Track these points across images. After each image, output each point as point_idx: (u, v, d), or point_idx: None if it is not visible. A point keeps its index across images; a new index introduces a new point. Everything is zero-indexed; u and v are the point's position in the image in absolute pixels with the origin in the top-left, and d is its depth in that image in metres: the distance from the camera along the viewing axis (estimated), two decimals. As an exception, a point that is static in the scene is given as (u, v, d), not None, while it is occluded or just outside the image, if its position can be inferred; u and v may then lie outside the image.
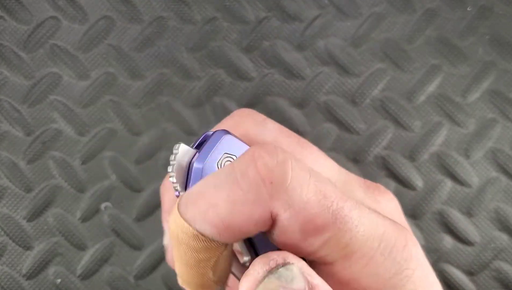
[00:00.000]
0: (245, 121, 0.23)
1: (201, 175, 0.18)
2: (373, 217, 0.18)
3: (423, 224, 0.32)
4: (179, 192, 0.19)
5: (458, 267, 0.31)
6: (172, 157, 0.19)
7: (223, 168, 0.17)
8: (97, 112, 0.33)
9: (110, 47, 0.33)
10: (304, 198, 0.16)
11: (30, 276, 0.31)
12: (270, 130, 0.22)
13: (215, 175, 0.17)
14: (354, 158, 0.32)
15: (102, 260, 0.32)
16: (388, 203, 0.22)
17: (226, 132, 0.19)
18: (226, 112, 0.32)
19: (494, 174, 0.32)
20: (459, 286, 0.31)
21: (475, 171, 0.32)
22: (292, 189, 0.16)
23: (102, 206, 0.32)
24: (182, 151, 0.19)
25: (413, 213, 0.32)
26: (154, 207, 0.32)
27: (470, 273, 0.31)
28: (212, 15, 0.33)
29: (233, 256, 0.19)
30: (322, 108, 0.33)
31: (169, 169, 0.19)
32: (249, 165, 0.16)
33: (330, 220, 0.17)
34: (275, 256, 0.16)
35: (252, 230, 0.17)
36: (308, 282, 0.16)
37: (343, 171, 0.23)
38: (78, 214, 0.32)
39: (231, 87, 0.33)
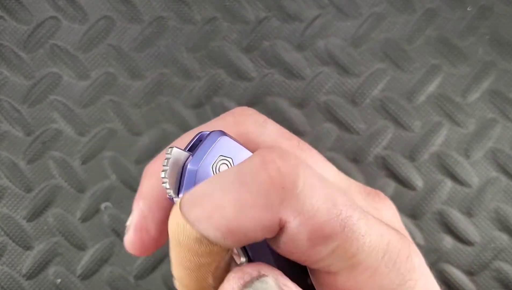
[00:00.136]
0: (245, 120, 0.22)
1: (195, 178, 0.18)
2: (379, 228, 0.18)
3: (423, 224, 0.32)
4: (173, 198, 0.18)
5: (458, 267, 0.31)
6: (164, 162, 0.18)
7: (229, 169, 0.16)
8: (97, 112, 0.33)
9: (110, 47, 0.33)
10: (314, 205, 0.16)
11: (30, 276, 0.31)
12: (271, 131, 0.22)
13: (221, 176, 0.16)
14: (354, 158, 0.32)
15: (102, 260, 0.32)
16: (387, 210, 0.22)
17: (222, 133, 0.19)
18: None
19: (494, 174, 0.32)
20: (459, 286, 0.31)
21: (475, 171, 0.32)
22: (303, 196, 0.16)
23: (102, 206, 0.32)
24: (175, 155, 0.18)
25: (413, 213, 0.32)
26: (154, 207, 0.32)
27: (470, 273, 0.31)
28: (212, 15, 0.33)
29: (232, 259, 0.19)
30: (322, 108, 0.33)
31: (162, 174, 0.18)
32: (259, 168, 0.16)
33: (338, 229, 0.16)
34: (249, 270, 0.16)
35: (258, 236, 0.16)
36: None
37: (342, 176, 0.22)
38: (78, 214, 0.32)
39: (231, 87, 0.33)
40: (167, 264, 0.31)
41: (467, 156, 0.32)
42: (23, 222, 0.32)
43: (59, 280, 0.31)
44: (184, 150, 0.19)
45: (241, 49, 0.33)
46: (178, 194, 0.18)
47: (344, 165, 0.32)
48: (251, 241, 0.16)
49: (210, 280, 0.17)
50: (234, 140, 0.19)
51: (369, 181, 0.32)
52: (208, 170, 0.18)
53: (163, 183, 0.18)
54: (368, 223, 0.17)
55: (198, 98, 0.33)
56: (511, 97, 0.32)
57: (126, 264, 0.32)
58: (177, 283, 0.18)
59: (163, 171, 0.18)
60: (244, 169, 0.16)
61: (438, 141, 0.32)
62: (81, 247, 0.32)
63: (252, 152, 0.19)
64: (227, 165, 0.18)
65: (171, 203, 0.19)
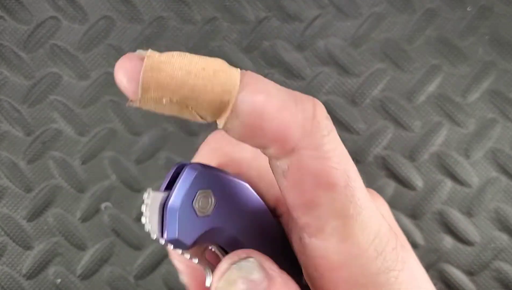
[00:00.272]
0: (221, 144, 0.23)
1: (177, 217, 0.18)
2: (374, 212, 0.18)
3: (423, 224, 0.32)
4: (158, 238, 0.19)
5: (458, 267, 0.31)
6: (143, 207, 0.18)
7: (285, 89, 0.18)
8: (97, 112, 0.33)
9: (110, 47, 0.33)
10: (327, 153, 0.17)
11: (30, 276, 0.31)
12: (247, 146, 0.22)
13: (277, 87, 0.18)
14: (354, 158, 0.32)
15: (102, 260, 0.32)
16: (382, 207, 0.23)
17: (198, 166, 0.19)
18: (226, 112, 0.32)
19: (494, 174, 0.32)
20: (459, 286, 0.31)
21: (475, 171, 0.32)
22: (327, 141, 0.17)
23: (102, 206, 0.32)
24: (153, 199, 0.18)
25: (413, 213, 0.32)
26: (154, 207, 0.32)
27: (470, 273, 0.31)
28: (212, 15, 0.33)
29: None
30: (322, 108, 0.33)
31: (142, 219, 0.18)
32: (310, 100, 0.17)
33: (342, 183, 0.17)
34: (239, 253, 0.18)
35: (270, 141, 0.17)
36: (266, 274, 0.17)
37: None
38: (78, 214, 0.32)
39: (231, 87, 0.33)
40: (167, 264, 0.32)
41: (467, 156, 0.32)
42: (23, 222, 0.32)
43: (59, 280, 0.31)
44: (162, 188, 0.19)
45: (241, 49, 0.33)
46: (162, 235, 0.18)
47: (344, 165, 0.32)
48: (265, 135, 0.17)
49: (167, 99, 0.18)
50: (213, 168, 0.19)
51: (369, 181, 0.32)
52: (189, 207, 0.18)
53: (145, 227, 0.18)
54: (366, 200, 0.18)
55: (198, 98, 0.33)
56: (511, 97, 0.32)
57: (126, 264, 0.32)
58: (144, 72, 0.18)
59: (143, 216, 0.18)
60: (296, 95, 0.18)
61: (438, 141, 0.32)
62: (81, 247, 0.32)
63: (237, 170, 0.20)
64: (208, 198, 0.19)
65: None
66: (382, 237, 0.18)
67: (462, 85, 0.33)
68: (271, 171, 0.19)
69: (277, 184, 0.19)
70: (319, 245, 0.18)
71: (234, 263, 0.17)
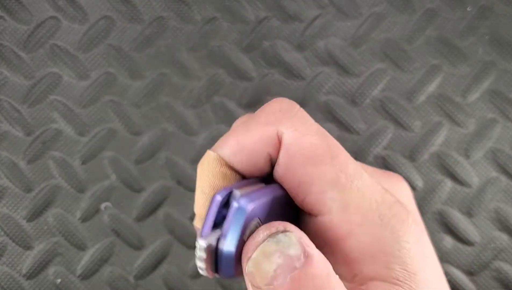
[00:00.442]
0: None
1: (233, 260, 0.18)
2: (370, 181, 0.19)
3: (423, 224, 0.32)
4: (213, 274, 0.19)
5: (458, 267, 0.31)
6: (198, 259, 0.18)
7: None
8: (97, 112, 0.33)
9: (110, 47, 0.33)
10: (307, 127, 0.19)
11: (30, 276, 0.31)
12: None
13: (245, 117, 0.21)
14: (354, 158, 0.32)
15: (102, 260, 0.32)
16: (400, 189, 0.23)
17: (245, 204, 0.18)
18: (226, 112, 0.32)
19: (494, 174, 0.32)
20: (459, 286, 0.31)
21: (475, 171, 0.32)
22: (297, 119, 0.19)
23: (102, 206, 0.32)
24: (207, 249, 0.18)
25: (413, 213, 0.32)
26: (154, 207, 0.32)
27: (470, 273, 0.31)
28: (212, 15, 0.33)
29: None
30: (322, 108, 0.33)
31: (198, 263, 0.18)
32: (266, 105, 0.20)
33: (328, 155, 0.19)
34: (277, 224, 0.17)
35: (263, 149, 0.19)
36: (304, 251, 0.17)
37: (356, 162, 0.24)
38: (78, 214, 0.32)
39: (231, 87, 0.33)
40: (167, 264, 0.32)
41: (467, 156, 0.32)
42: (23, 222, 0.32)
43: (59, 280, 0.31)
44: (209, 221, 0.18)
45: (241, 49, 0.33)
46: (217, 271, 0.18)
47: (344, 165, 0.32)
48: (257, 158, 0.19)
49: None
50: (254, 194, 0.18)
51: (369, 181, 0.32)
52: (241, 242, 0.18)
53: (200, 271, 0.18)
54: (358, 170, 0.19)
55: (198, 98, 0.33)
56: (511, 97, 0.32)
57: (126, 264, 0.32)
58: (195, 221, 0.21)
59: (199, 268, 0.18)
60: (258, 110, 0.20)
61: (438, 141, 0.32)
62: (81, 247, 0.32)
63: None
64: (256, 224, 0.19)
65: None
66: (386, 206, 0.19)
67: (462, 85, 0.33)
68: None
69: (277, 179, 0.20)
70: (324, 220, 0.19)
71: (271, 234, 0.17)
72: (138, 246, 0.32)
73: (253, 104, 0.33)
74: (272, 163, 0.20)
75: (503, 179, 0.32)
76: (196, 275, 0.31)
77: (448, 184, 0.32)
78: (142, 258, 0.32)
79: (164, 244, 0.32)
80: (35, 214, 0.32)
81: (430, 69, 0.33)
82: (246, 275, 0.17)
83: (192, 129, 0.32)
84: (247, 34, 0.33)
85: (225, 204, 0.18)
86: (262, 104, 0.33)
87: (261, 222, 0.18)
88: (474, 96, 0.33)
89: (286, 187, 0.19)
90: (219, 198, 0.18)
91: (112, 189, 0.32)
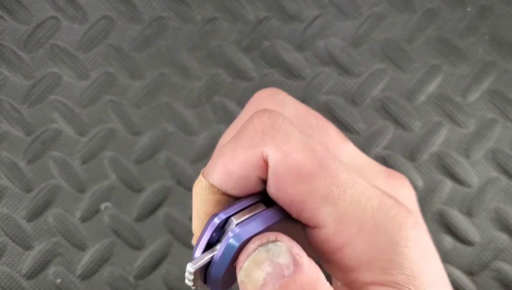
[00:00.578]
0: (264, 104, 0.23)
1: (220, 283, 0.19)
2: (366, 187, 0.19)
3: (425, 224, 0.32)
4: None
5: (458, 267, 0.31)
6: (188, 273, 0.19)
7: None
8: (97, 112, 0.33)
9: (110, 47, 0.33)
10: (291, 145, 0.19)
11: (30, 276, 0.31)
12: (289, 110, 0.23)
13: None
14: (354, 158, 0.32)
15: (102, 260, 0.32)
16: (404, 190, 0.23)
17: (239, 236, 0.18)
18: (226, 112, 0.32)
19: (494, 174, 0.32)
20: (459, 286, 0.31)
21: (475, 171, 0.32)
22: (281, 136, 0.19)
23: (102, 206, 0.32)
24: (191, 273, 0.19)
25: (413, 213, 0.32)
26: (154, 207, 0.32)
27: (470, 273, 0.31)
28: (212, 15, 0.33)
29: None
30: (322, 108, 0.33)
31: (187, 281, 0.19)
32: (248, 122, 0.20)
33: (316, 169, 0.18)
34: (269, 235, 0.18)
35: (251, 173, 0.19)
36: (294, 259, 0.17)
37: (362, 155, 0.23)
38: (78, 214, 0.32)
39: (231, 87, 0.33)
40: (167, 264, 0.32)
41: (467, 156, 0.32)
42: (23, 222, 0.32)
43: (59, 280, 0.31)
44: (199, 251, 0.19)
45: (241, 49, 0.33)
46: (205, 282, 0.19)
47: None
48: (247, 183, 0.19)
49: None
50: (253, 227, 0.19)
51: (369, 181, 0.32)
52: (230, 267, 0.19)
53: (188, 283, 0.19)
54: (351, 178, 0.18)
55: (198, 98, 0.33)
56: (511, 97, 0.32)
57: (126, 264, 0.32)
58: (194, 240, 0.22)
59: (187, 283, 0.19)
60: (242, 127, 0.20)
61: (438, 141, 0.32)
62: (81, 247, 0.32)
63: None
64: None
65: None
66: (383, 210, 0.18)
67: (462, 85, 0.33)
68: (309, 133, 0.20)
69: (272, 197, 0.20)
70: (320, 232, 0.19)
71: (262, 244, 0.17)
72: (138, 246, 0.32)
73: (253, 104, 0.33)
74: (264, 182, 0.20)
75: (503, 179, 0.32)
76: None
77: (448, 184, 0.32)
78: (142, 258, 0.32)
79: (164, 244, 0.32)
80: (35, 214, 0.32)
81: (430, 69, 0.33)
82: (239, 284, 0.18)
83: (192, 129, 0.32)
84: (247, 34, 0.33)
85: (223, 225, 0.19)
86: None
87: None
88: (474, 96, 0.33)
89: (280, 204, 0.19)
90: (216, 221, 0.19)
91: (112, 189, 0.32)
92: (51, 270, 0.32)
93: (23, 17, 0.34)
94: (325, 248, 0.19)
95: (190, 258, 0.19)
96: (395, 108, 0.33)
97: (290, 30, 0.33)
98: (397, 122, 0.32)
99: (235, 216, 0.19)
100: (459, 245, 0.31)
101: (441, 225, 0.31)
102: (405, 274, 0.18)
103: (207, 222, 0.19)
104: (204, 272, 0.19)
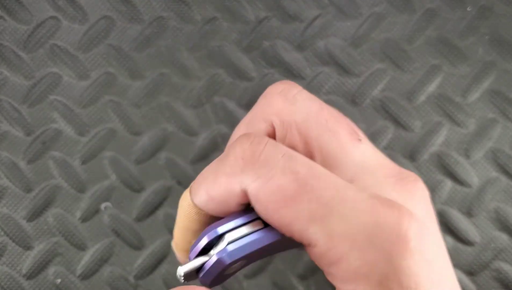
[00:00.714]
0: (275, 100, 0.23)
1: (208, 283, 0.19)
2: (358, 200, 0.18)
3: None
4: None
5: (458, 267, 0.31)
6: (178, 276, 0.19)
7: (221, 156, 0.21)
8: (97, 112, 0.33)
9: (110, 47, 0.33)
10: (272, 170, 0.18)
11: (30, 276, 0.31)
12: (300, 108, 0.23)
13: (214, 162, 0.21)
14: (354, 158, 0.32)
15: (102, 260, 0.32)
16: (416, 193, 0.22)
17: (226, 258, 0.19)
18: (226, 112, 0.32)
19: (494, 174, 0.32)
20: (459, 286, 0.31)
21: (475, 171, 0.32)
22: (261, 163, 0.19)
23: (102, 206, 0.32)
24: (181, 277, 0.19)
25: (413, 213, 0.32)
26: (154, 207, 0.32)
27: (470, 273, 0.31)
28: (212, 15, 0.33)
29: None
30: (322, 108, 0.32)
31: (178, 276, 0.19)
32: (231, 148, 0.20)
33: (298, 191, 0.18)
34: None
35: (232, 201, 0.20)
36: None
37: (374, 156, 0.22)
38: (78, 214, 0.32)
39: (231, 87, 0.33)
40: (167, 264, 0.32)
41: (467, 156, 0.32)
42: (23, 222, 0.32)
43: (59, 280, 0.31)
44: (191, 255, 0.20)
45: (241, 49, 0.33)
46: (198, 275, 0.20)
47: (344, 165, 0.32)
48: (228, 208, 0.20)
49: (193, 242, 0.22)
50: (244, 248, 0.19)
51: (369, 181, 0.32)
52: (219, 276, 0.20)
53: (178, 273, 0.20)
54: (338, 192, 0.18)
55: (198, 98, 0.33)
56: (511, 97, 0.32)
57: (126, 264, 0.32)
58: (173, 243, 0.23)
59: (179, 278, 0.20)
60: (225, 152, 0.20)
61: (438, 141, 0.32)
62: (81, 247, 0.32)
63: (285, 130, 0.22)
64: (237, 265, 0.20)
65: None
66: (378, 224, 0.18)
67: (462, 85, 0.33)
68: (318, 134, 0.21)
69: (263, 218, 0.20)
70: (314, 250, 0.19)
71: None
72: (138, 246, 0.32)
73: (253, 104, 0.33)
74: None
75: (503, 179, 0.32)
76: (196, 275, 0.31)
77: (448, 184, 0.32)
78: (142, 258, 0.32)
79: (164, 244, 0.32)
80: (35, 214, 0.32)
81: (430, 69, 0.33)
82: None
83: (192, 129, 0.32)
84: (247, 34, 0.33)
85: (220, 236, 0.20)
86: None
87: (241, 261, 0.19)
88: (474, 96, 0.33)
89: (271, 225, 0.20)
90: (212, 235, 0.19)
91: (112, 189, 0.32)
92: (51, 270, 0.32)
93: (23, 17, 0.34)
94: (322, 263, 0.19)
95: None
96: (395, 108, 0.33)
97: (290, 30, 0.33)
98: (397, 122, 0.32)
99: (230, 233, 0.19)
100: (459, 245, 0.31)
101: (441, 225, 0.31)
102: (402, 287, 0.17)
103: (203, 231, 0.20)
104: (196, 271, 0.20)
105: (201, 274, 0.19)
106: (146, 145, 0.32)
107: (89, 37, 0.33)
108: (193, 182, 0.21)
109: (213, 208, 0.20)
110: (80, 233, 0.32)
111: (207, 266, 0.19)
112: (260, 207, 0.19)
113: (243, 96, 0.33)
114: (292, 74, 0.33)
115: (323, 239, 0.18)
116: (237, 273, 0.23)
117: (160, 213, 0.32)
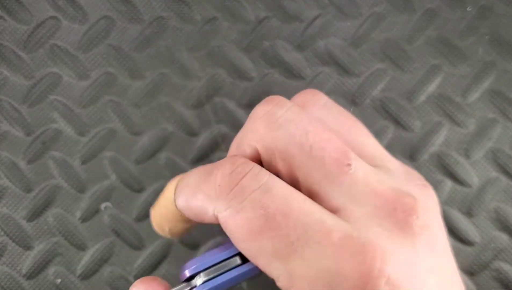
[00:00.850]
0: (257, 126, 0.22)
1: None
2: (323, 246, 0.18)
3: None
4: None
5: (458, 267, 0.31)
6: None
7: (206, 166, 0.22)
8: (97, 112, 0.33)
9: (110, 47, 0.33)
10: (244, 202, 0.19)
11: (30, 276, 0.31)
12: (282, 135, 0.21)
13: (200, 168, 0.22)
14: (354, 158, 0.32)
15: (102, 260, 0.32)
16: (410, 230, 0.20)
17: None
18: (226, 112, 0.32)
19: (494, 174, 0.32)
20: (459, 286, 0.31)
21: (475, 171, 0.32)
22: (235, 194, 0.19)
23: (102, 206, 0.32)
24: None
25: (413, 213, 0.32)
26: (154, 207, 0.32)
27: (470, 273, 0.31)
28: (212, 15, 0.33)
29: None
30: (322, 108, 0.33)
31: None
32: (215, 170, 0.20)
33: (264, 227, 0.18)
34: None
35: (206, 218, 0.20)
36: None
37: (368, 179, 0.20)
38: (78, 214, 0.32)
39: (231, 87, 0.33)
40: (167, 264, 0.32)
41: (467, 156, 0.32)
42: (23, 222, 0.32)
43: (59, 280, 0.31)
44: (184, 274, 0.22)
45: (241, 49, 0.33)
46: None
47: (344, 165, 0.32)
48: (203, 221, 0.21)
49: (167, 228, 0.24)
50: (218, 280, 0.21)
51: (369, 181, 0.32)
52: None
53: None
54: (306, 233, 0.18)
55: (198, 98, 0.33)
56: (511, 97, 0.32)
57: (126, 264, 0.32)
58: (151, 213, 0.25)
59: None
60: (212, 167, 0.21)
61: (438, 141, 0.32)
62: (81, 247, 0.32)
63: (269, 157, 0.22)
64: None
65: None
66: (337, 274, 0.17)
67: (462, 85, 0.33)
68: (301, 163, 0.21)
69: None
70: (279, 284, 0.19)
71: None
72: (138, 246, 0.32)
73: (253, 104, 0.33)
74: None
75: (503, 179, 0.32)
76: (196, 275, 0.31)
77: (448, 184, 0.32)
78: (142, 258, 0.32)
79: (164, 244, 0.32)
80: (35, 214, 0.32)
81: (430, 69, 0.33)
82: None
83: (192, 129, 0.32)
84: (247, 34, 0.33)
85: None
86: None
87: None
88: (474, 96, 0.33)
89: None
90: (186, 274, 0.21)
91: (112, 189, 0.32)
92: (51, 270, 0.32)
93: (23, 17, 0.34)
94: None
95: (190, 259, 0.22)
96: (395, 108, 0.33)
97: (290, 30, 0.33)
98: (397, 122, 0.32)
99: (205, 272, 0.20)
100: (459, 245, 0.31)
101: (441, 225, 0.32)
102: None
103: (186, 264, 0.21)
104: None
105: None
106: (146, 145, 0.32)
107: (89, 37, 0.33)
108: (181, 179, 0.22)
109: (190, 215, 0.21)
110: (80, 233, 0.32)
111: None
112: (228, 234, 0.20)
113: (243, 96, 0.33)
114: (292, 74, 0.33)
115: (284, 277, 0.18)
116: None
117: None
